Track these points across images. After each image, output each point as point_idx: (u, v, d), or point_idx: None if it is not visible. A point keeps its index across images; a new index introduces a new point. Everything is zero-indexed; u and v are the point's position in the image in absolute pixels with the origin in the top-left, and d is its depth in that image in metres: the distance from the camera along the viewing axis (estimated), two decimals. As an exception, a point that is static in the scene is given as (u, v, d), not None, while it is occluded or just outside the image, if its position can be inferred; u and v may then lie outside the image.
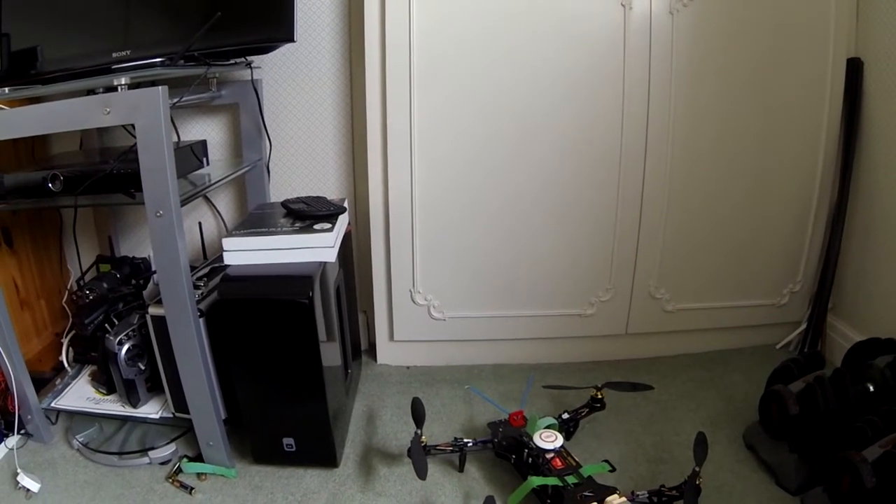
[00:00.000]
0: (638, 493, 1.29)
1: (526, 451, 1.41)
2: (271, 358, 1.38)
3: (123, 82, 1.28)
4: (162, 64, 1.39)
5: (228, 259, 1.42)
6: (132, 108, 1.21)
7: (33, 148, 1.86)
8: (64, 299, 2.01)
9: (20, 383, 1.54)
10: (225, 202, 2.04)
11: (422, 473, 1.33)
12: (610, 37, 1.68)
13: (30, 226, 1.87)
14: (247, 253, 1.41)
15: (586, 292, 1.92)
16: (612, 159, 1.78)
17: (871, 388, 1.42)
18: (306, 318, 1.31)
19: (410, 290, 1.91)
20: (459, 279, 1.90)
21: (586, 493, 1.24)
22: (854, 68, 1.79)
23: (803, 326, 2.00)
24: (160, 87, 1.19)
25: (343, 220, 1.59)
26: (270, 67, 1.86)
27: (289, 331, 1.33)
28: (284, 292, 1.32)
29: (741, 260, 1.93)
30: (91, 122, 1.28)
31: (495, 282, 1.90)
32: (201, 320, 1.40)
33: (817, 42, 1.75)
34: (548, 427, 1.47)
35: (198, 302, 1.41)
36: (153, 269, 1.61)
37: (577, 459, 1.36)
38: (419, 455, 1.36)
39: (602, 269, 1.89)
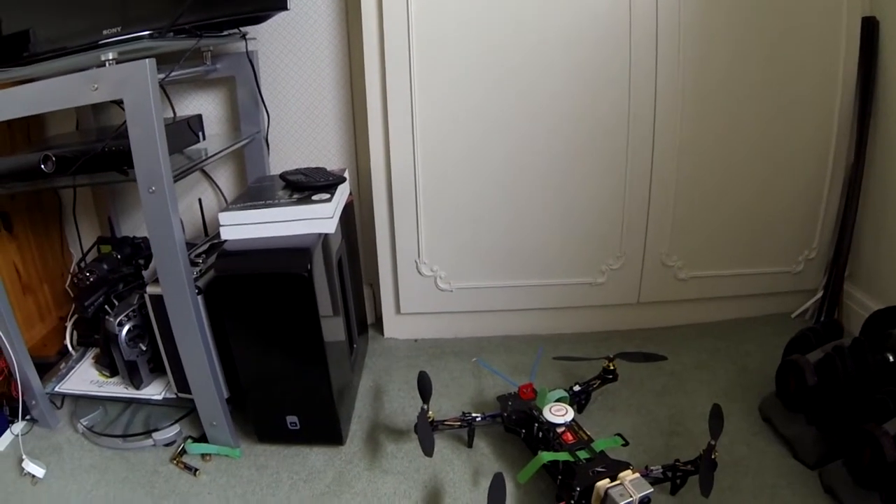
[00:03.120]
0: (652, 467, 1.26)
1: (536, 425, 1.38)
2: (272, 334, 1.35)
3: (111, 57, 1.25)
4: (150, 37, 1.35)
5: (225, 234, 1.39)
6: (120, 83, 1.18)
7: (28, 130, 1.84)
8: (67, 282, 2.00)
9: (23, 369, 1.53)
10: (225, 177, 2.01)
11: (428, 450, 1.30)
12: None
13: (29, 210, 1.86)
14: (244, 227, 1.38)
15: (596, 260, 1.88)
16: (621, 123, 1.73)
17: (892, 359, 1.38)
18: (306, 292, 1.28)
19: (416, 261, 1.88)
20: (466, 249, 1.87)
21: (598, 469, 1.20)
22: (869, 28, 1.73)
23: (819, 294, 1.96)
24: (147, 61, 1.17)
25: (343, 191, 1.56)
26: (266, 38, 1.83)
27: (288, 305, 1.31)
28: (282, 266, 1.29)
29: (755, 226, 1.89)
30: (80, 99, 1.25)
31: (503, 251, 1.87)
32: (199, 298, 1.38)
33: (831, 1, 1.69)
34: (558, 400, 1.44)
35: (196, 279, 1.39)
36: (153, 247, 1.60)
37: (588, 433, 1.33)
38: (426, 431, 1.33)
39: (612, 236, 1.85)
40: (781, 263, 1.94)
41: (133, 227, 2.05)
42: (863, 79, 1.77)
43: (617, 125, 1.73)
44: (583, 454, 1.26)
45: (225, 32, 1.62)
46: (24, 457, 1.45)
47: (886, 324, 1.50)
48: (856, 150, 1.81)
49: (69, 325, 1.83)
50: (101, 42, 1.39)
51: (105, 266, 1.75)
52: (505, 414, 1.46)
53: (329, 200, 1.40)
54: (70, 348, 1.80)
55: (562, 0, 1.63)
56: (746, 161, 1.81)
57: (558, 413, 1.36)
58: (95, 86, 1.19)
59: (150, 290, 1.43)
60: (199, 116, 1.70)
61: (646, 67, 1.69)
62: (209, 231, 1.84)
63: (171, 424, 1.54)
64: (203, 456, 1.48)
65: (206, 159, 1.53)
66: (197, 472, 1.42)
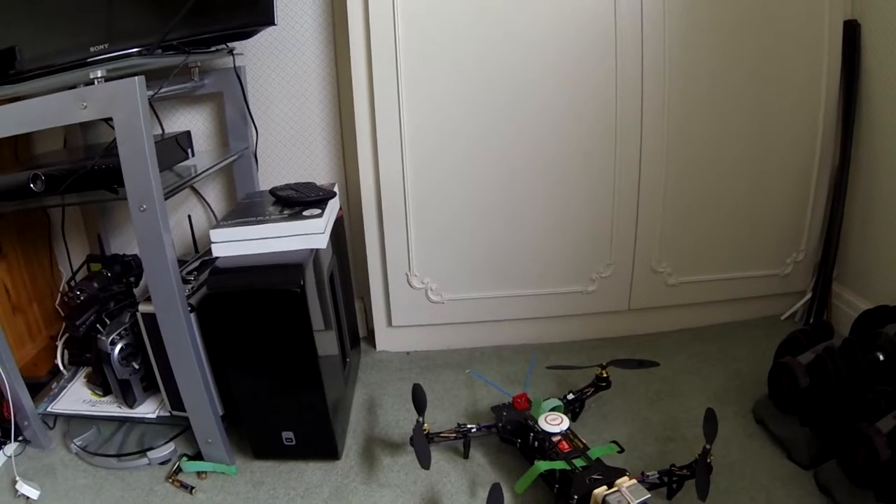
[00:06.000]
0: (648, 473, 1.26)
1: (531, 434, 1.38)
2: (265, 350, 1.35)
3: (100, 75, 1.24)
4: (138, 54, 1.35)
5: (217, 251, 1.39)
6: (109, 101, 1.18)
7: (16, 149, 1.83)
8: (57, 301, 1.98)
9: (14, 390, 1.51)
10: (214, 193, 2.00)
11: (425, 462, 1.30)
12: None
13: (17, 229, 1.85)
14: (235, 244, 1.38)
15: (586, 268, 1.89)
16: (609, 131, 1.74)
17: (882, 357, 1.40)
18: (298, 307, 1.28)
19: (406, 274, 1.88)
20: (456, 260, 1.87)
21: (595, 476, 1.21)
22: (851, 31, 1.75)
23: (808, 296, 1.97)
24: (136, 78, 1.16)
25: (333, 205, 1.56)
26: (253, 53, 1.82)
27: (281, 321, 1.30)
28: (275, 282, 1.29)
29: (743, 230, 1.90)
30: (68, 117, 1.25)
31: (493, 261, 1.87)
32: (192, 315, 1.37)
33: (813, 5, 1.71)
34: (553, 409, 1.44)
35: (188, 296, 1.38)
36: (144, 265, 1.59)
37: (584, 441, 1.34)
38: (421, 443, 1.33)
39: (602, 244, 1.86)
40: (770, 266, 1.96)
41: (123, 244, 2.03)
42: (846, 82, 1.79)
43: (605, 134, 1.74)
44: (579, 462, 1.26)
45: (212, 48, 1.62)
46: (17, 478, 1.44)
47: (876, 323, 1.51)
48: (840, 152, 1.83)
49: (60, 344, 1.81)
50: (89, 59, 1.39)
51: (95, 284, 1.73)
52: (500, 424, 1.46)
53: (320, 216, 1.39)
54: (61, 367, 1.78)
55: (548, 12, 1.64)
56: (733, 166, 1.82)
57: (554, 422, 1.36)
58: (84, 104, 1.19)
59: (143, 308, 1.42)
60: (188, 133, 1.70)
61: (632, 76, 1.70)
62: (199, 247, 1.83)
63: (166, 443, 1.53)
64: (199, 474, 1.47)
65: (195, 176, 1.52)
66: (193, 491, 1.42)
